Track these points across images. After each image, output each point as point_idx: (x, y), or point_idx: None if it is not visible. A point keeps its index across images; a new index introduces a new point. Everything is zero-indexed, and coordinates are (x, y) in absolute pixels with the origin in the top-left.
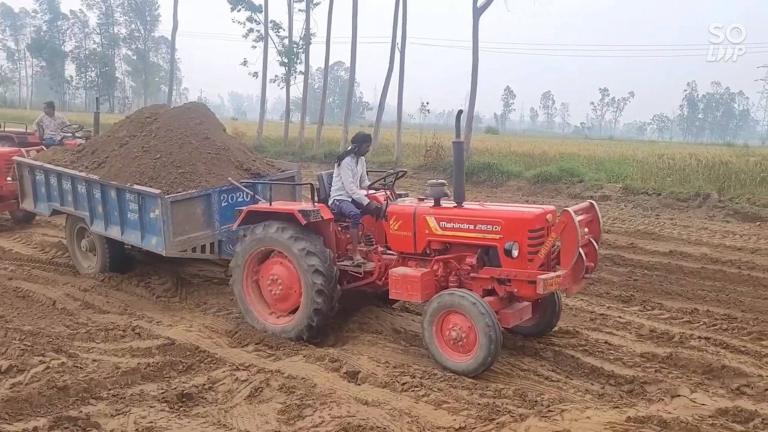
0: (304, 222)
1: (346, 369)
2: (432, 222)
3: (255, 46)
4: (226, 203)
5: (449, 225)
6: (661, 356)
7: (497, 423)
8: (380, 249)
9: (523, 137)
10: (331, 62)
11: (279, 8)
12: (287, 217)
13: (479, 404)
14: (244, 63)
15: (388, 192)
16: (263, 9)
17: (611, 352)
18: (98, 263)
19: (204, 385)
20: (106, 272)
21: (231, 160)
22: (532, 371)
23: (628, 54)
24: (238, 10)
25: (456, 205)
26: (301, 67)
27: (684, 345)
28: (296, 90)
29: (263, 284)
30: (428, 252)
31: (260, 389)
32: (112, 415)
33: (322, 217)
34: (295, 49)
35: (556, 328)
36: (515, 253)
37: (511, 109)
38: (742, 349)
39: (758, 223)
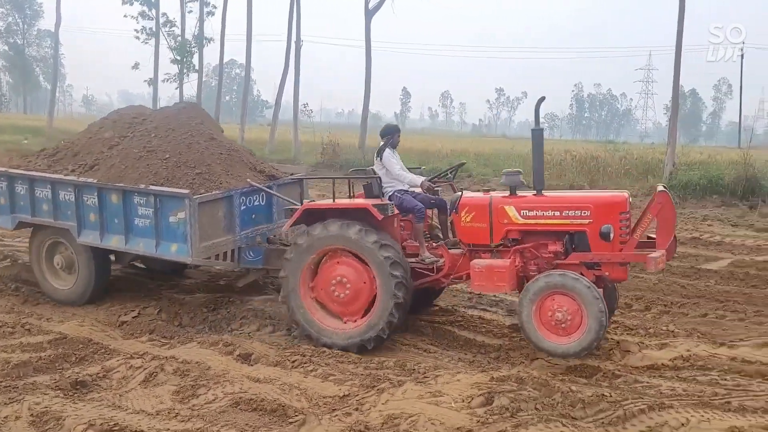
0: (380, 217)
1: (239, 352)
2: (512, 211)
3: (147, 42)
4: (244, 207)
5: (531, 213)
6: None
7: (378, 389)
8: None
9: (421, 135)
10: (226, 60)
11: (171, 4)
12: (354, 214)
13: (362, 375)
14: (136, 66)
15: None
16: (156, 4)
17: (483, 325)
18: (79, 282)
19: (98, 373)
20: (89, 292)
21: (243, 161)
22: (412, 345)
23: (522, 56)
24: (131, 4)
25: (535, 193)
26: (197, 62)
27: None
28: (191, 88)
29: (325, 289)
30: (505, 243)
31: (155, 374)
32: (5, 404)
33: (394, 211)
34: (188, 47)
35: (435, 307)
36: (612, 236)
37: (408, 108)
38: None
39: None
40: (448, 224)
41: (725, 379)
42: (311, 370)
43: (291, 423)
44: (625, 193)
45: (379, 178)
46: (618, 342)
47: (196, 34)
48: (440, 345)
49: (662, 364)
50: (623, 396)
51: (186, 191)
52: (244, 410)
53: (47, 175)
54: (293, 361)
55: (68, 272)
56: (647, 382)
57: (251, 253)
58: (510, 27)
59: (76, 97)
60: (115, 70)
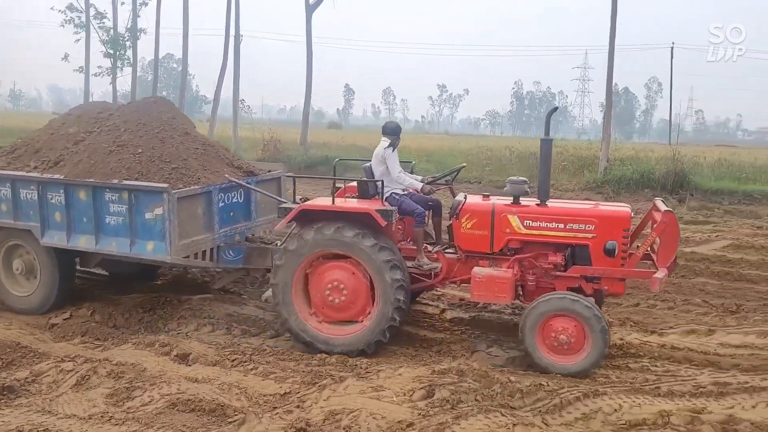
0: (384, 224)
1: (177, 352)
2: (515, 221)
3: (78, 39)
4: (223, 203)
5: (535, 224)
6: (466, 320)
7: (319, 386)
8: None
9: (365, 132)
10: (162, 54)
11: None
12: (355, 218)
13: (304, 372)
14: (66, 58)
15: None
16: None
17: (425, 320)
18: (40, 289)
19: (27, 378)
20: (52, 300)
21: (220, 156)
22: None
23: (462, 53)
24: None
25: (539, 203)
26: (131, 56)
27: (486, 309)
28: (125, 83)
29: (319, 295)
30: (504, 251)
31: (87, 377)
32: None
33: (397, 216)
34: (121, 40)
35: None
36: (616, 252)
37: (351, 105)
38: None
39: None
40: (446, 228)
41: (655, 366)
42: (251, 369)
43: (230, 423)
44: (628, 209)
45: (382, 181)
46: None
47: (129, 26)
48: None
49: None
50: (560, 385)
51: (164, 185)
52: (181, 411)
53: (7, 172)
54: (233, 360)
55: (28, 278)
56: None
57: (231, 252)
58: (453, 24)
59: (2, 92)
60: (45, 63)
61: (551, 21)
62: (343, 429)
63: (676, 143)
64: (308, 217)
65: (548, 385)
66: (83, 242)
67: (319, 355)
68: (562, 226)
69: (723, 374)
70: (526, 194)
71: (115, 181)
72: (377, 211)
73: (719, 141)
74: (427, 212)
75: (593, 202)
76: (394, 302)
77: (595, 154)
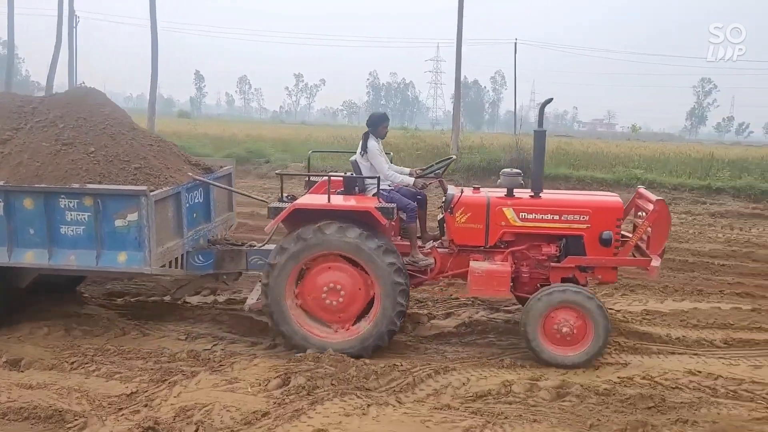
0: (385, 222)
1: (7, 358)
2: (510, 213)
3: None
4: (188, 204)
5: (530, 216)
6: None
7: (169, 383)
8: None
9: (217, 121)
10: None
11: None
12: (352, 216)
13: (152, 369)
14: None
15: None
16: None
17: None
18: None
19: None
20: None
21: (176, 153)
22: (209, 334)
23: (320, 43)
24: None
25: (533, 195)
26: None
27: None
28: None
29: (313, 296)
30: (498, 244)
31: None
32: None
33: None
34: None
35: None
36: (611, 242)
37: (204, 93)
38: None
39: None
40: (438, 222)
41: (501, 340)
42: (93, 371)
43: (70, 428)
44: (619, 198)
45: (378, 177)
46: (409, 314)
47: None
48: (239, 332)
49: (448, 332)
50: (413, 364)
51: (142, 188)
52: (13, 421)
53: None
54: (72, 363)
55: None
56: (435, 349)
57: (200, 257)
58: (309, 11)
59: None
60: None
61: (407, 13)
62: (195, 424)
63: (519, 133)
64: (301, 217)
65: (402, 365)
66: (30, 258)
67: (169, 351)
68: (557, 217)
69: None
70: (521, 186)
71: (76, 185)
72: (377, 208)
73: (558, 132)
74: None
75: (584, 192)
76: (396, 306)
77: (447, 143)
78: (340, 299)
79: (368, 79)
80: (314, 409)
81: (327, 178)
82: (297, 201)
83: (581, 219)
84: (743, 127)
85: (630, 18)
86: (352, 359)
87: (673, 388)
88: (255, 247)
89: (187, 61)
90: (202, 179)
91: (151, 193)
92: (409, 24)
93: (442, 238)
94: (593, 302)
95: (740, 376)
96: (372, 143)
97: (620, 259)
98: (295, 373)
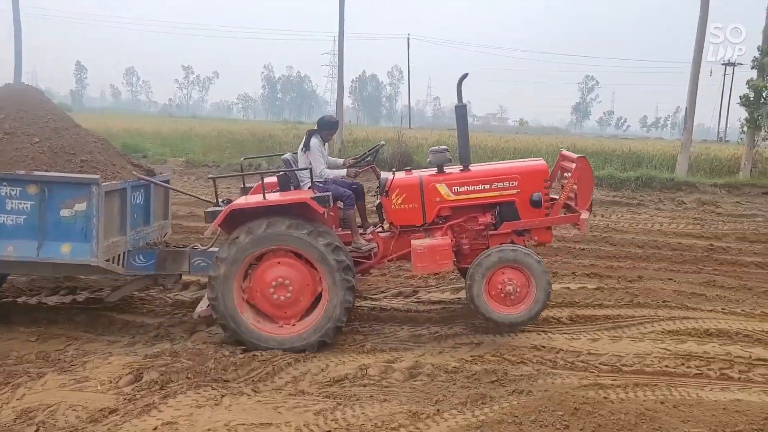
0: (322, 210)
1: None
2: (443, 189)
3: None
4: (131, 203)
5: (462, 189)
6: (188, 302)
7: (13, 385)
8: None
9: (100, 115)
10: None
11: None
12: (288, 210)
13: None
14: None
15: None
16: None
17: (145, 306)
18: None
19: None
20: None
21: (119, 153)
22: (63, 335)
23: (210, 34)
24: None
25: (462, 168)
26: None
27: None
28: None
29: (261, 292)
30: (436, 221)
31: None
32: None
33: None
34: None
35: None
36: (542, 203)
37: (85, 85)
38: None
39: None
40: (376, 208)
41: (364, 327)
42: None
43: None
44: (543, 161)
45: (310, 169)
46: None
47: None
48: (96, 331)
49: None
50: (273, 354)
51: (94, 176)
52: None
53: None
54: None
55: None
56: None
57: (141, 257)
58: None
59: None
60: None
61: (300, 6)
62: (36, 425)
63: (409, 127)
64: (239, 218)
65: (262, 355)
66: None
67: (16, 353)
68: (488, 186)
69: (419, 327)
70: (449, 162)
71: (22, 172)
72: (313, 198)
73: (453, 126)
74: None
75: (509, 161)
76: (342, 283)
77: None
78: (288, 294)
79: (263, 73)
80: (166, 403)
81: (261, 177)
82: (233, 203)
83: (511, 185)
84: (621, 121)
85: (524, 16)
86: (211, 352)
87: (518, 363)
88: (198, 249)
89: (69, 51)
90: (148, 179)
91: (103, 184)
92: (305, 17)
93: (382, 222)
94: (532, 258)
95: (579, 349)
96: (314, 141)
97: (553, 218)
98: (149, 368)
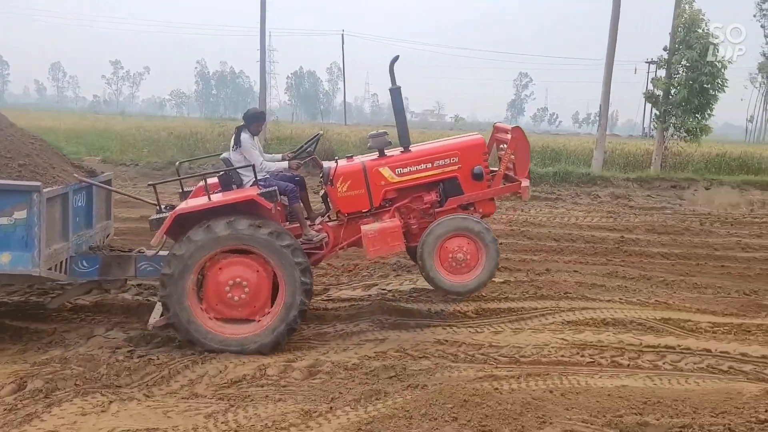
0: (270, 206)
1: None
2: (387, 172)
3: None
4: (73, 207)
5: (406, 170)
6: (88, 306)
7: None
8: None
9: (21, 111)
10: None
11: None
12: (235, 209)
13: None
14: None
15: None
16: None
17: (40, 311)
18: None
19: None
20: None
21: (57, 154)
22: None
23: (140, 28)
24: None
25: (403, 150)
26: None
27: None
28: None
29: (218, 296)
30: (383, 205)
31: None
32: None
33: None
34: None
35: None
36: (483, 175)
37: (7, 81)
38: None
39: None
40: (322, 198)
41: None
42: None
43: None
44: (479, 135)
45: (253, 165)
46: None
47: None
48: None
49: None
50: (171, 357)
51: (36, 183)
52: None
53: None
54: None
55: None
56: None
57: (84, 263)
58: None
59: None
60: None
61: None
62: None
63: (345, 123)
64: (185, 223)
65: (158, 359)
66: None
67: None
68: (430, 165)
69: (325, 326)
70: (389, 145)
71: None
72: (259, 194)
73: (390, 122)
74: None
75: (447, 138)
76: (300, 285)
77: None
78: (244, 294)
79: (196, 68)
80: (49, 412)
81: (204, 179)
82: (178, 207)
83: (452, 161)
84: (554, 117)
85: (458, 14)
86: (104, 357)
87: (420, 358)
88: (144, 254)
89: None
90: (90, 181)
91: (44, 190)
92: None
93: (329, 212)
94: (479, 224)
95: (481, 342)
96: (245, 136)
97: (495, 189)
98: (33, 376)
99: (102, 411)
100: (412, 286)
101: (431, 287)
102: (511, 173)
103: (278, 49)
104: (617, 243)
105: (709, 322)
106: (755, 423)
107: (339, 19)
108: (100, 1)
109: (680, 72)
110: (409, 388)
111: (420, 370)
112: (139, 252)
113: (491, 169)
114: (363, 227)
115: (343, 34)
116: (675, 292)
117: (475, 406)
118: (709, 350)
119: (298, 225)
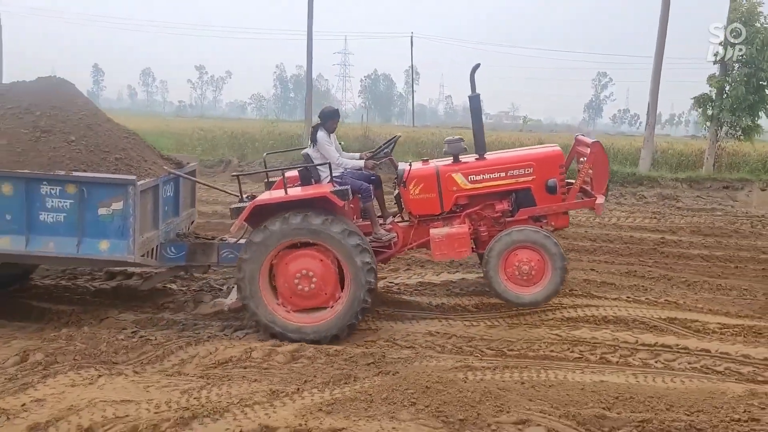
0: (341, 204)
1: None
2: (459, 178)
3: None
4: (163, 197)
5: (478, 177)
6: (108, 290)
7: None
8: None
9: (119, 116)
10: None
11: None
12: (310, 204)
13: None
14: None
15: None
16: None
17: (66, 294)
18: None
19: None
20: None
21: (148, 146)
22: None
23: (223, 34)
24: None
25: (478, 157)
26: None
27: (131, 278)
28: None
29: (287, 285)
30: (454, 209)
31: None
32: None
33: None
34: None
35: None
36: (558, 188)
37: (102, 87)
38: None
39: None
40: (395, 198)
41: None
42: None
43: None
44: (558, 147)
45: (329, 163)
46: (194, 293)
47: None
48: (10, 318)
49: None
50: (168, 338)
51: (131, 177)
52: None
53: None
54: None
55: None
56: (209, 324)
57: (173, 249)
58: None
59: None
60: None
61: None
62: None
63: (413, 126)
64: (262, 213)
65: (156, 339)
66: (5, 243)
67: None
68: (503, 174)
69: None
70: (464, 151)
71: (62, 172)
72: (332, 192)
73: (465, 124)
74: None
75: (524, 148)
76: (365, 284)
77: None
78: (312, 285)
79: (275, 72)
80: (44, 383)
81: (282, 173)
82: (256, 198)
83: (526, 172)
84: (635, 118)
85: (532, 14)
86: (105, 335)
87: (406, 347)
88: (226, 241)
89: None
90: (179, 174)
91: (138, 183)
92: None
93: (401, 212)
94: (557, 248)
95: (473, 335)
96: (320, 134)
97: (568, 203)
98: (35, 350)
99: (90, 384)
100: (420, 280)
101: (431, 284)
102: (588, 187)
103: (354, 53)
104: (656, 244)
105: (719, 323)
106: (727, 422)
107: (421, 20)
108: (188, 8)
109: (735, 68)
110: (380, 374)
111: (399, 358)
112: (221, 240)
113: (568, 181)
114: (432, 231)
115: (412, 37)
116: (692, 293)
117: (435, 392)
118: (708, 351)
119: (370, 223)
